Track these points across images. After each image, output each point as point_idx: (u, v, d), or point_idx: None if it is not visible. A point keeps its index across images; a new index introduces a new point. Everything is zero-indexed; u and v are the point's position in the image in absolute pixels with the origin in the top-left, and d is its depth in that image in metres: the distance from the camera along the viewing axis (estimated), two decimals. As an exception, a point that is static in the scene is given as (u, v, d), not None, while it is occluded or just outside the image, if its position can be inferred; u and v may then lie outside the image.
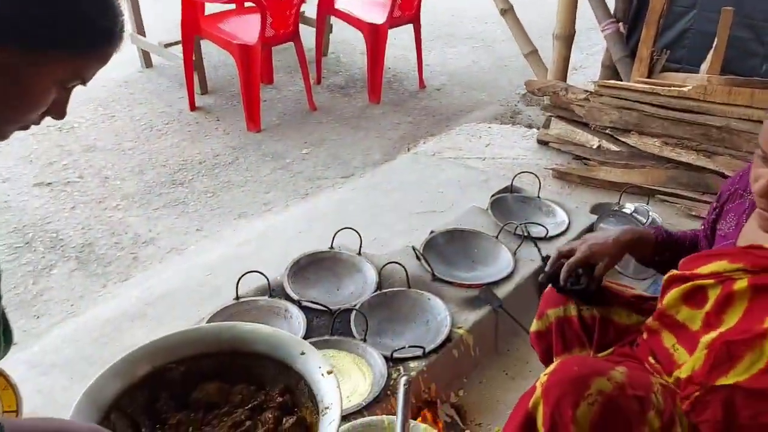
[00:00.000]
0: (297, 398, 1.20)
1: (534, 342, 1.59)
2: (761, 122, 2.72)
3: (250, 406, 1.19)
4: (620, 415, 1.16)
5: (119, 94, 4.26)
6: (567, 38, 3.40)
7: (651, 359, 1.29)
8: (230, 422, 1.16)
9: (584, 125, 3.28)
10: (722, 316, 1.13)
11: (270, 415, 1.16)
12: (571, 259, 1.41)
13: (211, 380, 1.21)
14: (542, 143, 3.46)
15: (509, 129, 3.78)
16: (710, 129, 2.86)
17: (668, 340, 1.27)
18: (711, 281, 1.17)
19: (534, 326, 1.58)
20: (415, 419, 1.82)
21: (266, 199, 3.19)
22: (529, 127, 3.86)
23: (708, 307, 1.16)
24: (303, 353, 1.17)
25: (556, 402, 1.20)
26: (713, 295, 1.16)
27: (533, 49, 3.75)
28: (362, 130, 3.92)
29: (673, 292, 1.25)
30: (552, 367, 1.28)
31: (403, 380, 1.57)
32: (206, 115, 4.02)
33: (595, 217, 2.58)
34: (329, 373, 1.12)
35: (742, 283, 1.12)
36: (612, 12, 3.57)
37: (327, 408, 1.07)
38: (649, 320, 1.31)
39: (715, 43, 3.03)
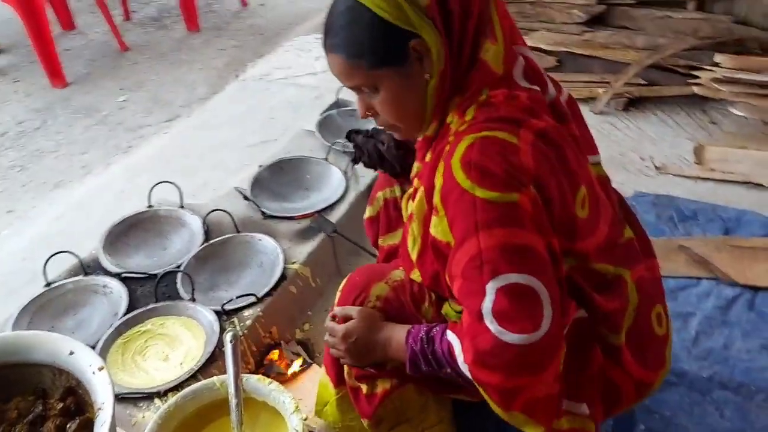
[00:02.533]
0: (81, 399, 1.08)
1: (367, 228, 1.60)
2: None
3: (28, 419, 1.06)
4: (397, 313, 1.22)
5: None
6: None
7: None
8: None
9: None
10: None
11: (51, 425, 1.04)
12: None
13: (-21, 399, 1.06)
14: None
15: (338, 37, 3.61)
16: (524, 6, 2.84)
17: None
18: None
19: (366, 212, 1.59)
20: (259, 367, 1.77)
21: (84, 161, 2.89)
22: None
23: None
24: (72, 353, 1.05)
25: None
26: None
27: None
28: (184, 64, 3.61)
29: None
30: (344, 281, 1.33)
31: (228, 336, 1.49)
32: (2, 78, 3.54)
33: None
34: (100, 369, 1.01)
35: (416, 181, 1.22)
36: None
37: (100, 409, 0.97)
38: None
39: None
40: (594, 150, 1.24)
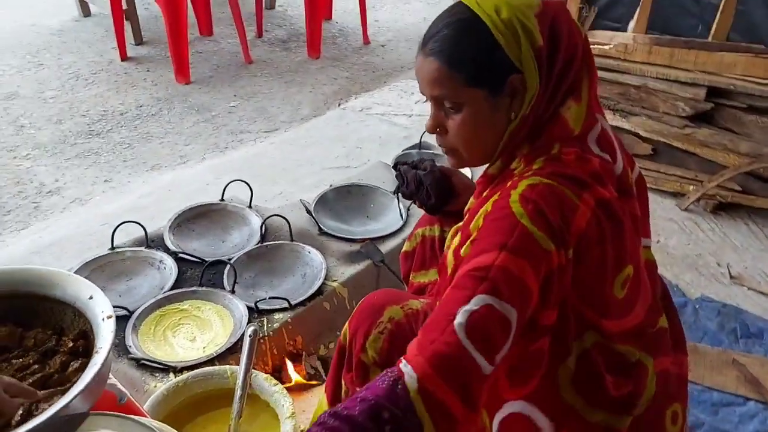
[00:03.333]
0: (90, 343, 1.16)
1: (401, 262, 1.61)
2: (678, 82, 2.69)
3: (41, 350, 1.15)
4: (406, 340, 1.15)
5: (51, 42, 4.14)
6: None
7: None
8: (17, 366, 1.13)
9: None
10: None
11: (57, 360, 1.13)
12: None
13: (4, 323, 1.17)
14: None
15: (444, 86, 3.71)
16: (629, 89, 2.80)
17: None
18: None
19: (404, 246, 1.60)
20: (276, 372, 1.82)
21: (184, 151, 3.12)
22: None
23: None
24: (91, 297, 1.14)
25: (353, 332, 1.28)
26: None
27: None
28: (296, 85, 3.83)
29: None
30: (363, 299, 1.33)
31: (249, 330, 1.56)
32: (137, 65, 3.92)
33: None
34: (109, 317, 1.09)
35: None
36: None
37: (96, 352, 1.04)
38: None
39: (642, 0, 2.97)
40: (648, 233, 1.21)
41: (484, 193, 1.13)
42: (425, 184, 1.40)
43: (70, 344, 1.15)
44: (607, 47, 2.82)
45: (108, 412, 0.96)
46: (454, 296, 0.93)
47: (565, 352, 1.05)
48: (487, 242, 0.96)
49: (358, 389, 1.19)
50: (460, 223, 1.20)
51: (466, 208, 1.23)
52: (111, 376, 1.19)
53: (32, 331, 1.19)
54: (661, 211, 2.62)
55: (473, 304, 0.90)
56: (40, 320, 1.20)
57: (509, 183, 1.03)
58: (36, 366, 1.13)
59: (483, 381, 0.90)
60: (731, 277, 2.30)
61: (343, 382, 1.34)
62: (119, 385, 1.21)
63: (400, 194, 1.52)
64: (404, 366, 0.89)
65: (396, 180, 1.51)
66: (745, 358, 1.93)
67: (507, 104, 1.04)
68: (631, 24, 3.06)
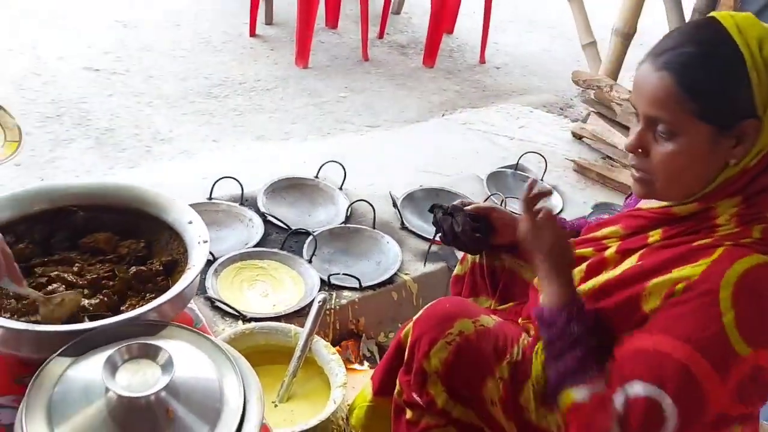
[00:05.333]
0: (180, 267, 1.24)
1: (452, 285, 1.58)
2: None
3: (128, 259, 1.26)
4: (472, 358, 1.17)
5: (190, 7, 4.44)
6: (626, 35, 3.27)
7: (521, 319, 1.28)
8: (107, 267, 1.23)
9: (623, 127, 3.17)
10: (588, 281, 1.10)
11: (142, 268, 1.22)
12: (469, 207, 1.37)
13: (105, 231, 1.28)
14: (576, 137, 3.37)
15: (550, 117, 3.69)
16: None
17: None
18: (590, 249, 1.14)
19: (455, 270, 1.57)
20: (335, 345, 1.88)
21: (289, 129, 3.27)
22: (575, 121, 3.76)
23: (580, 272, 1.13)
24: (191, 222, 1.23)
25: (418, 335, 1.22)
26: (587, 261, 1.13)
27: (592, 41, 3.63)
28: (406, 89, 3.92)
29: None
30: (435, 301, 1.29)
31: (319, 297, 1.63)
32: (262, 43, 4.13)
33: (589, 211, 2.51)
34: (204, 242, 1.18)
35: (611, 250, 1.09)
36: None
37: (189, 268, 1.13)
38: (536, 280, 1.28)
39: None
40: None
41: (653, 236, 1.03)
42: (463, 239, 1.34)
43: (159, 267, 1.24)
44: None
45: (185, 326, 1.04)
46: (625, 368, 0.94)
47: None
48: (674, 323, 0.91)
49: (415, 396, 1.21)
50: (602, 253, 1.11)
51: (602, 234, 1.15)
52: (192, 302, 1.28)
53: (127, 241, 1.29)
54: None
55: (629, 390, 0.92)
56: (138, 235, 1.31)
57: (721, 250, 0.92)
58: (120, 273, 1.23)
59: None
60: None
61: (398, 382, 1.30)
62: (197, 311, 1.30)
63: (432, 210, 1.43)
64: None
65: (433, 225, 1.42)
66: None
67: (729, 147, 0.93)
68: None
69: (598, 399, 0.96)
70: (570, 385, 0.99)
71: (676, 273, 0.94)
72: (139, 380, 0.89)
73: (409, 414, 1.25)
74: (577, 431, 0.98)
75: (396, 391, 1.30)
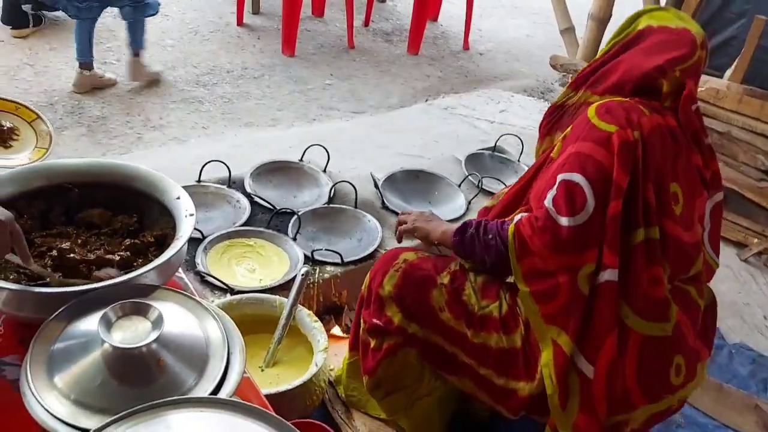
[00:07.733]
0: (169, 241, 1.34)
1: (480, 215, 1.75)
2: (763, 135, 2.69)
3: (121, 232, 1.35)
4: (417, 277, 1.41)
5: (179, -1, 4.52)
6: (601, 20, 3.38)
7: None
8: (104, 241, 1.33)
9: (599, 110, 3.27)
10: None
11: (135, 241, 1.31)
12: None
13: (98, 207, 1.38)
14: (555, 120, 3.47)
15: (531, 101, 3.80)
16: (712, 134, 2.82)
17: None
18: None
19: (487, 202, 1.76)
20: (320, 318, 1.99)
21: (276, 115, 3.36)
22: (554, 105, 3.86)
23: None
24: (178, 198, 1.33)
25: (374, 274, 1.48)
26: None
27: (569, 26, 3.73)
28: (390, 76, 4.02)
29: None
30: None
31: (302, 269, 1.73)
32: (250, 32, 4.21)
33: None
34: (191, 215, 1.28)
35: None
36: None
37: (177, 239, 1.23)
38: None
39: (742, 50, 2.96)
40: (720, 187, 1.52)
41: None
42: None
43: (151, 239, 1.34)
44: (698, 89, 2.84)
45: (174, 289, 1.14)
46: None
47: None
48: (567, 142, 1.31)
49: (374, 320, 1.42)
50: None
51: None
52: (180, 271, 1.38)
53: (120, 216, 1.39)
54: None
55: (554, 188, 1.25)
56: (130, 210, 1.41)
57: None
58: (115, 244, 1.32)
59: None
60: (775, 332, 2.29)
61: (361, 321, 1.50)
62: (186, 279, 1.40)
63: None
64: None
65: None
66: (768, 407, 1.94)
67: None
68: (728, 72, 3.06)
69: (528, 216, 1.28)
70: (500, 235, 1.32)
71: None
72: (132, 334, 0.99)
73: (372, 343, 1.46)
74: (524, 236, 1.26)
75: (362, 329, 1.50)
